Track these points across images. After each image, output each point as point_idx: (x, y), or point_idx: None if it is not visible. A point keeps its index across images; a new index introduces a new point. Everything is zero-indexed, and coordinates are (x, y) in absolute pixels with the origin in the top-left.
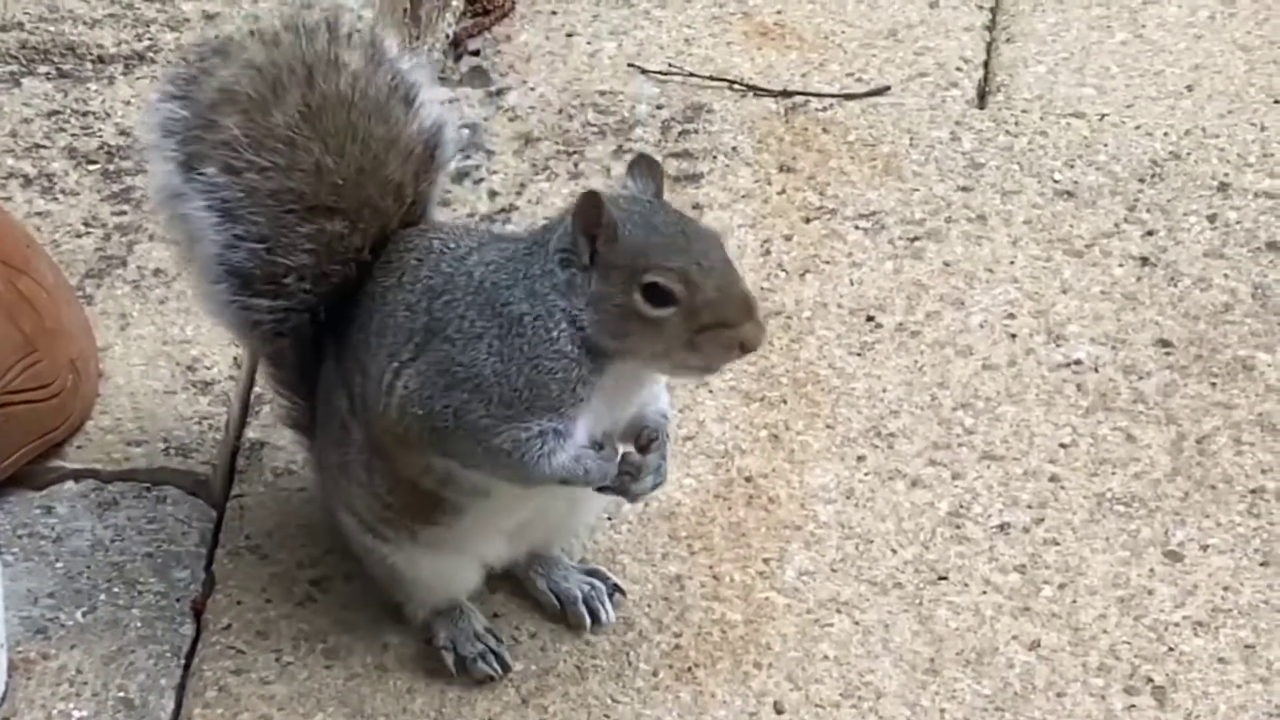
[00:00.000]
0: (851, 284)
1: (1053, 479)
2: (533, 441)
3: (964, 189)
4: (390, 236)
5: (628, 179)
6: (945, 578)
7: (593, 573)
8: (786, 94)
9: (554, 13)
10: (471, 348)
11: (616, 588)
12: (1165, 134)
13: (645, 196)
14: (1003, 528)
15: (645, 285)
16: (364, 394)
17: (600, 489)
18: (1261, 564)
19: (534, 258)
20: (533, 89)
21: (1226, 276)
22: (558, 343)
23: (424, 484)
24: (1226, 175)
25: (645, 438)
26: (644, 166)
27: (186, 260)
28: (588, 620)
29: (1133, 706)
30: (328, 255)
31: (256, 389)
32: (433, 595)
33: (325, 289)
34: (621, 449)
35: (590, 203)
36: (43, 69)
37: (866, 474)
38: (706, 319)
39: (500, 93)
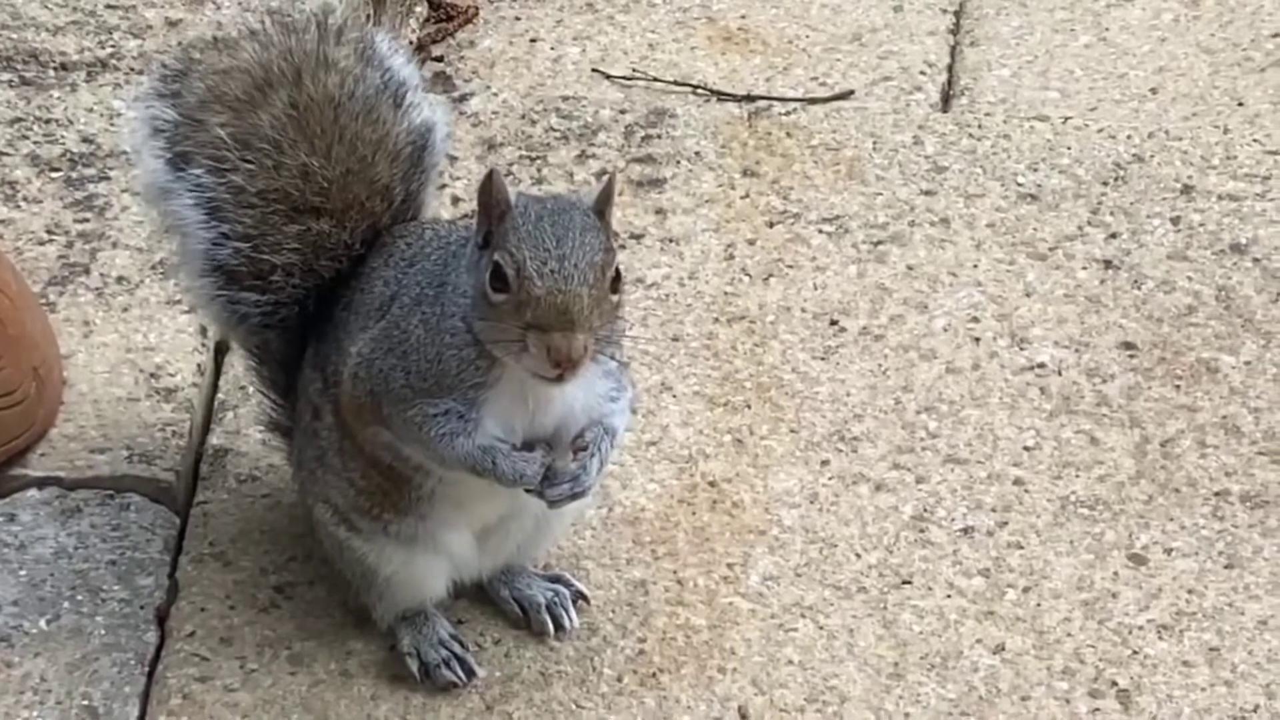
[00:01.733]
0: (815, 288)
1: (1017, 482)
2: (439, 419)
3: (927, 193)
4: (383, 232)
5: (588, 188)
6: (909, 582)
7: (555, 579)
8: (750, 98)
9: (518, 18)
10: (411, 314)
11: (580, 594)
12: (1129, 137)
13: (572, 199)
14: (967, 531)
15: (493, 265)
16: (335, 370)
17: (518, 488)
18: (1226, 567)
19: (470, 233)
20: (496, 94)
21: (1190, 279)
22: (454, 317)
23: (385, 459)
24: (1190, 178)
25: (576, 445)
26: (605, 183)
27: (173, 254)
28: (551, 627)
29: (1097, 710)
30: (315, 252)
31: (220, 396)
32: (403, 596)
33: (314, 283)
34: (554, 455)
35: (486, 180)
36: (5, 76)
37: (830, 478)
38: (529, 316)
39: (463, 98)
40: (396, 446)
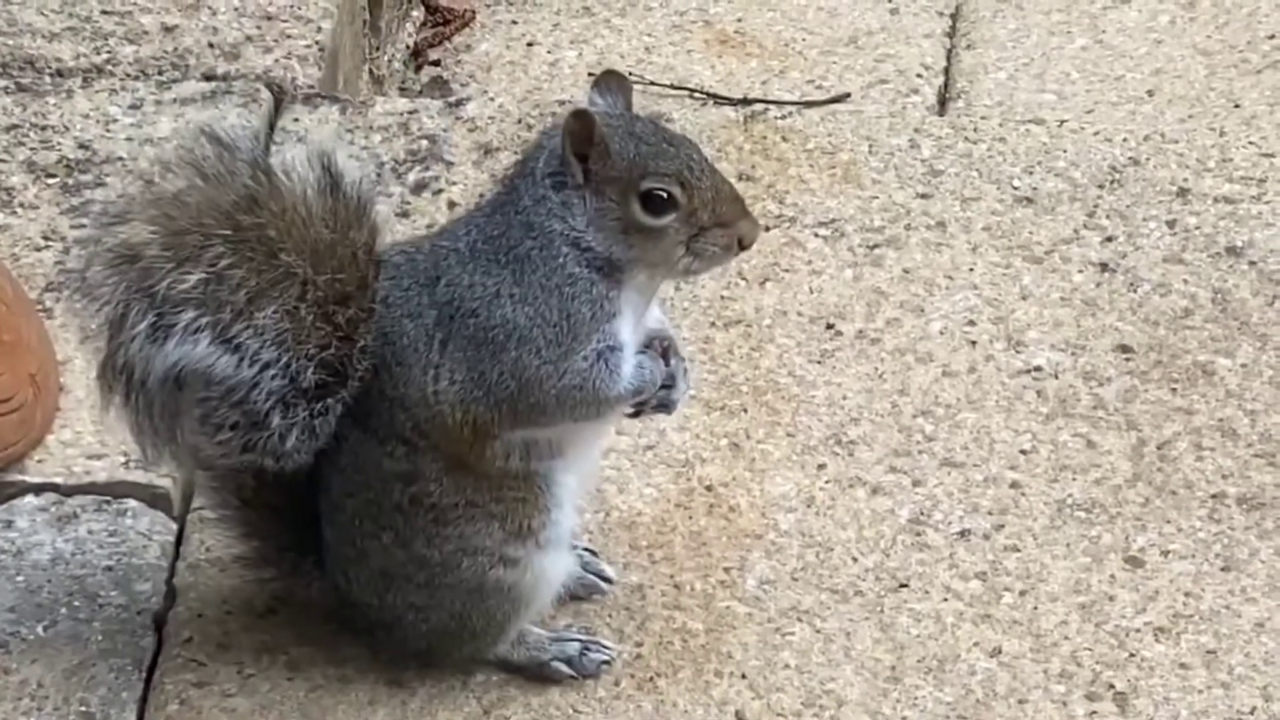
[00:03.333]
0: (811, 292)
1: (1013, 485)
2: (596, 366)
3: (923, 196)
4: None
5: (595, 95)
6: (906, 585)
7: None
8: (746, 102)
9: (514, 22)
10: (497, 306)
11: (588, 549)
12: (1125, 140)
13: (619, 110)
14: (963, 534)
15: (644, 194)
16: (416, 425)
17: (644, 407)
18: (1223, 569)
19: (520, 193)
20: (493, 99)
21: (1186, 282)
22: (567, 267)
23: (515, 467)
24: (1186, 180)
25: (659, 347)
26: (612, 81)
27: (187, 426)
28: (601, 582)
29: (1094, 713)
30: (370, 323)
31: None
32: (535, 611)
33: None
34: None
35: (582, 122)
36: (1, 83)
37: (827, 482)
38: (705, 219)
39: (460, 103)
40: (531, 440)
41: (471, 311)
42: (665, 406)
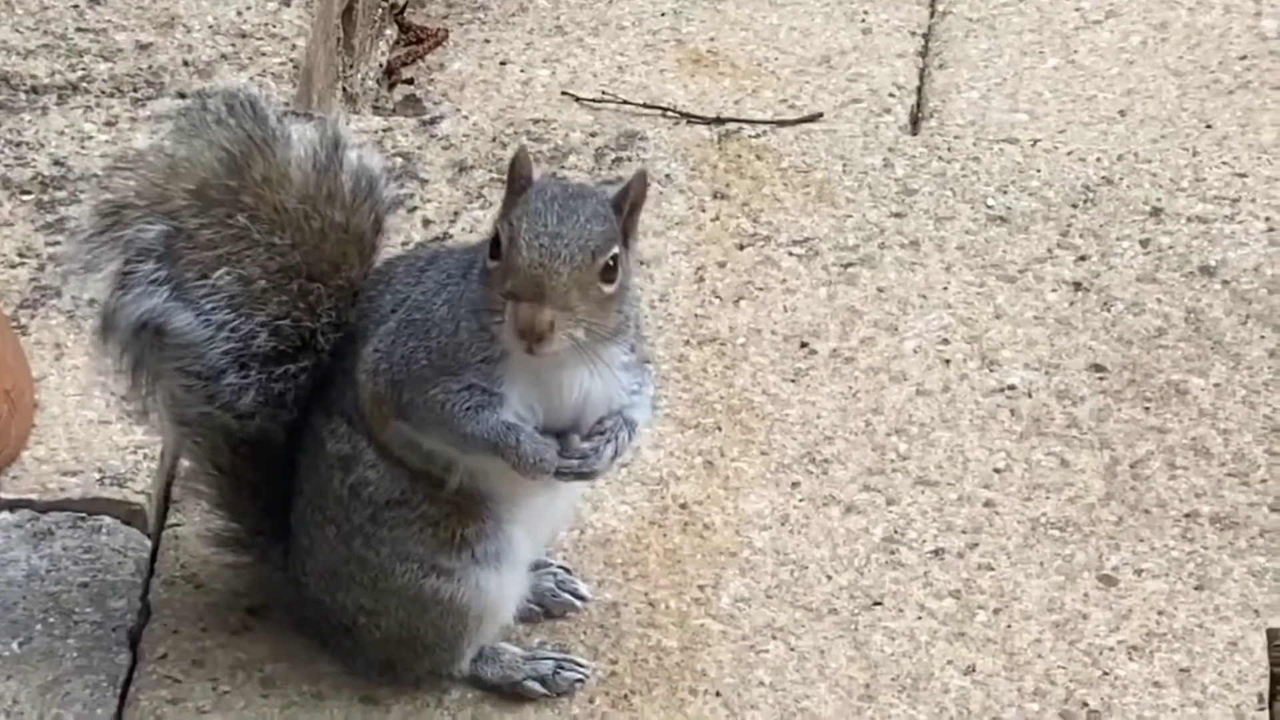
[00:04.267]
0: (785, 310)
1: (987, 504)
2: (462, 394)
3: (897, 215)
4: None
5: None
6: (880, 603)
7: (536, 565)
8: (720, 121)
9: (487, 41)
10: (434, 297)
11: (562, 567)
12: (1098, 159)
13: (593, 189)
14: (937, 553)
15: (494, 232)
16: (357, 396)
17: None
18: (1196, 588)
19: None
20: (466, 117)
21: (1160, 301)
22: (475, 291)
23: (416, 464)
24: (1159, 200)
25: (594, 430)
26: (632, 179)
27: (153, 378)
28: (575, 600)
29: None
30: (349, 304)
31: None
32: (489, 629)
33: (344, 330)
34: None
35: (517, 157)
36: None
37: (801, 500)
38: (509, 285)
39: (434, 121)
40: (418, 442)
41: (421, 292)
42: (580, 477)
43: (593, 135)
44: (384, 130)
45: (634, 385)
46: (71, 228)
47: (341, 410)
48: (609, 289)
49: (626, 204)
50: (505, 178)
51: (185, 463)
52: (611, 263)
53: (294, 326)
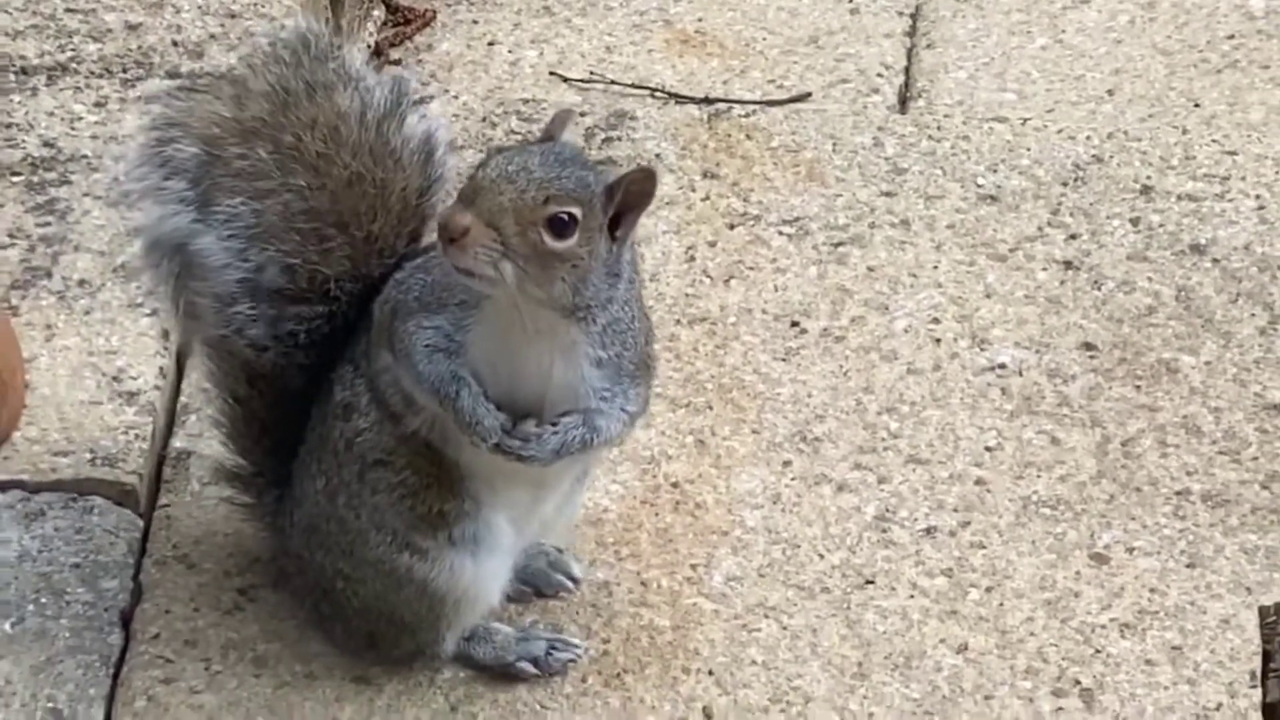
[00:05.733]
0: (776, 289)
1: (978, 482)
2: (427, 331)
3: (887, 194)
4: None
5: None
6: (872, 582)
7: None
8: (708, 101)
9: (475, 21)
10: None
11: (555, 548)
12: (1087, 138)
13: (599, 169)
14: (929, 531)
15: None
16: (368, 342)
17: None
18: (1188, 566)
19: None
20: (456, 97)
21: (1150, 279)
22: None
23: (397, 407)
24: (1149, 178)
25: (551, 420)
26: (630, 172)
27: (181, 293)
28: (568, 580)
29: (1060, 709)
30: (366, 255)
31: (182, 399)
32: (470, 613)
33: (366, 284)
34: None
35: (557, 115)
36: None
37: (793, 479)
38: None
39: (423, 101)
40: (397, 376)
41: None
42: (519, 459)
43: (582, 115)
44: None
45: (605, 390)
46: (125, 136)
47: (352, 357)
48: (554, 244)
49: (618, 193)
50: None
51: (205, 386)
52: (565, 218)
53: (305, 267)
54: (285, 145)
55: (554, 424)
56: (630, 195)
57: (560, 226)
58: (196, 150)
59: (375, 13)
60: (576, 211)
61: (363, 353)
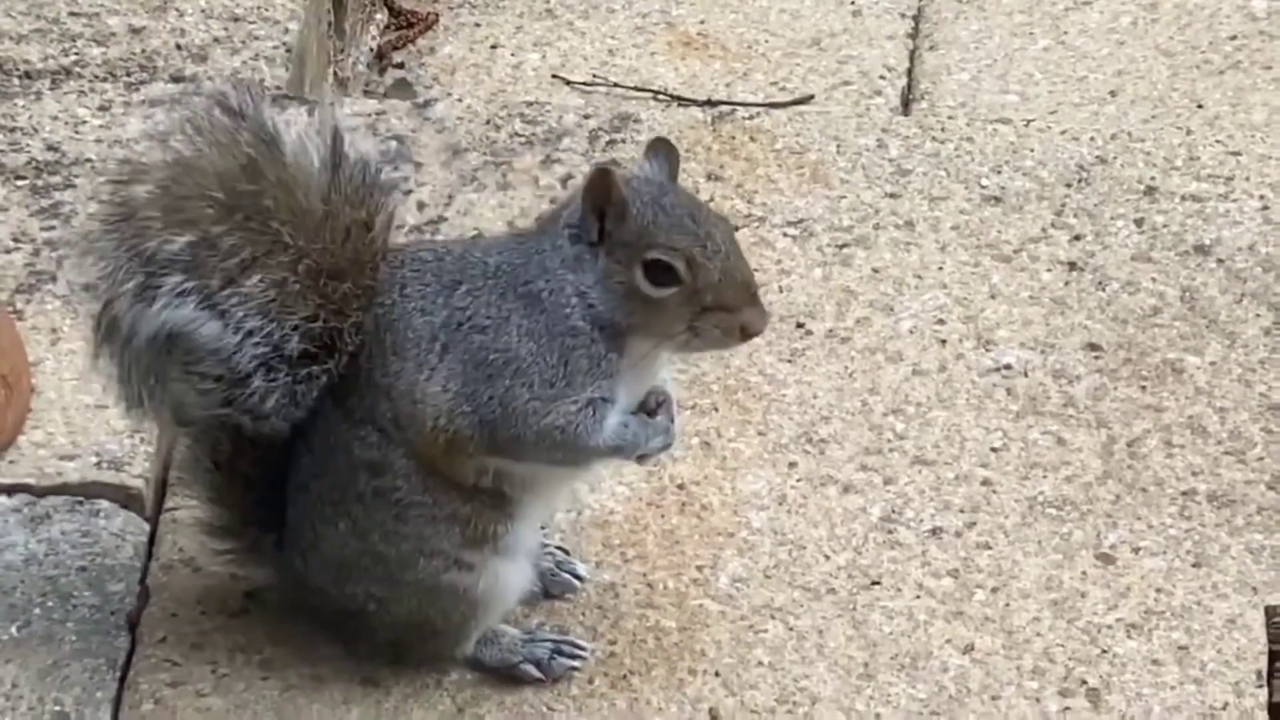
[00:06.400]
0: (781, 291)
1: (984, 483)
2: (583, 413)
3: (892, 195)
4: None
5: (645, 162)
6: (878, 583)
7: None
8: (711, 103)
9: (477, 25)
10: (503, 332)
11: (559, 547)
12: (1092, 139)
13: (658, 179)
14: (935, 532)
15: (648, 263)
16: (396, 417)
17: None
18: (1194, 565)
19: (545, 236)
20: (459, 100)
21: (1154, 280)
22: (571, 318)
23: (486, 484)
24: (1153, 179)
25: (654, 400)
26: (661, 150)
27: (164, 386)
28: (574, 581)
29: (1067, 709)
30: (369, 303)
31: None
32: (494, 615)
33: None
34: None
35: (602, 179)
36: None
37: (798, 480)
38: (708, 301)
39: (428, 104)
40: (510, 469)
41: (480, 328)
42: (643, 458)
43: (586, 117)
44: (378, 114)
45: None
46: (79, 235)
47: (373, 421)
48: None
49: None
50: (582, 200)
51: (178, 456)
52: None
53: (324, 327)
54: (267, 210)
55: (660, 402)
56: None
57: None
58: (186, 238)
59: (378, 16)
60: None
61: (387, 419)
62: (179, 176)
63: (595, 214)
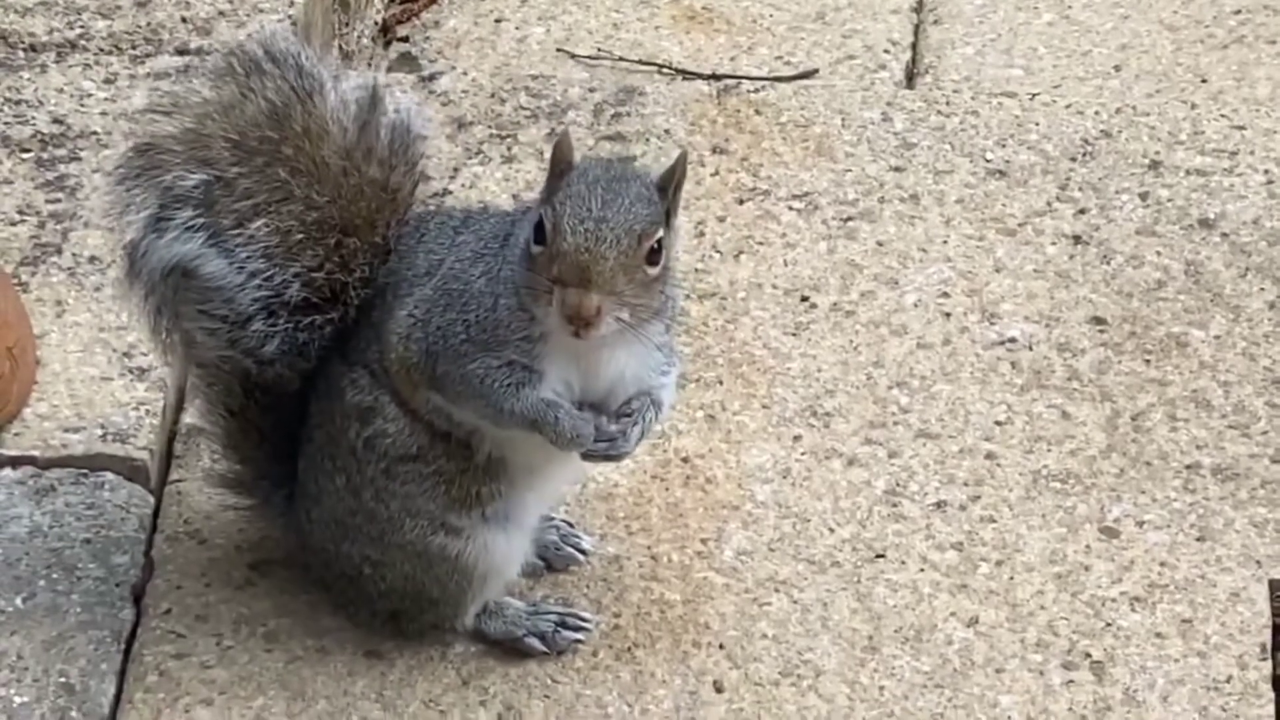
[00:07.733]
0: (786, 264)
1: (989, 456)
2: (502, 370)
3: (896, 169)
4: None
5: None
6: (883, 555)
7: (543, 518)
8: (715, 77)
9: None
10: (472, 267)
11: (565, 521)
12: (1096, 113)
13: (638, 171)
14: (939, 505)
15: (538, 217)
16: (382, 352)
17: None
18: (1197, 539)
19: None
20: (464, 74)
21: (1159, 254)
22: (509, 269)
23: (442, 427)
24: (1157, 153)
25: (621, 411)
26: (675, 162)
27: (176, 319)
28: (578, 555)
29: (1071, 681)
30: (381, 260)
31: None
32: (493, 587)
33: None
34: (601, 418)
35: (559, 142)
36: None
37: (803, 453)
38: (555, 270)
39: (432, 78)
40: (449, 410)
41: (455, 261)
42: (609, 459)
43: (591, 91)
44: (383, 87)
45: (664, 365)
46: (106, 167)
47: (365, 362)
48: (653, 271)
49: (671, 186)
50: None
51: (196, 402)
52: (656, 245)
53: (327, 278)
54: (286, 158)
55: (628, 414)
56: (677, 183)
57: (655, 254)
58: (201, 176)
59: None
60: (659, 230)
61: (377, 360)
62: (211, 114)
63: (550, 173)
